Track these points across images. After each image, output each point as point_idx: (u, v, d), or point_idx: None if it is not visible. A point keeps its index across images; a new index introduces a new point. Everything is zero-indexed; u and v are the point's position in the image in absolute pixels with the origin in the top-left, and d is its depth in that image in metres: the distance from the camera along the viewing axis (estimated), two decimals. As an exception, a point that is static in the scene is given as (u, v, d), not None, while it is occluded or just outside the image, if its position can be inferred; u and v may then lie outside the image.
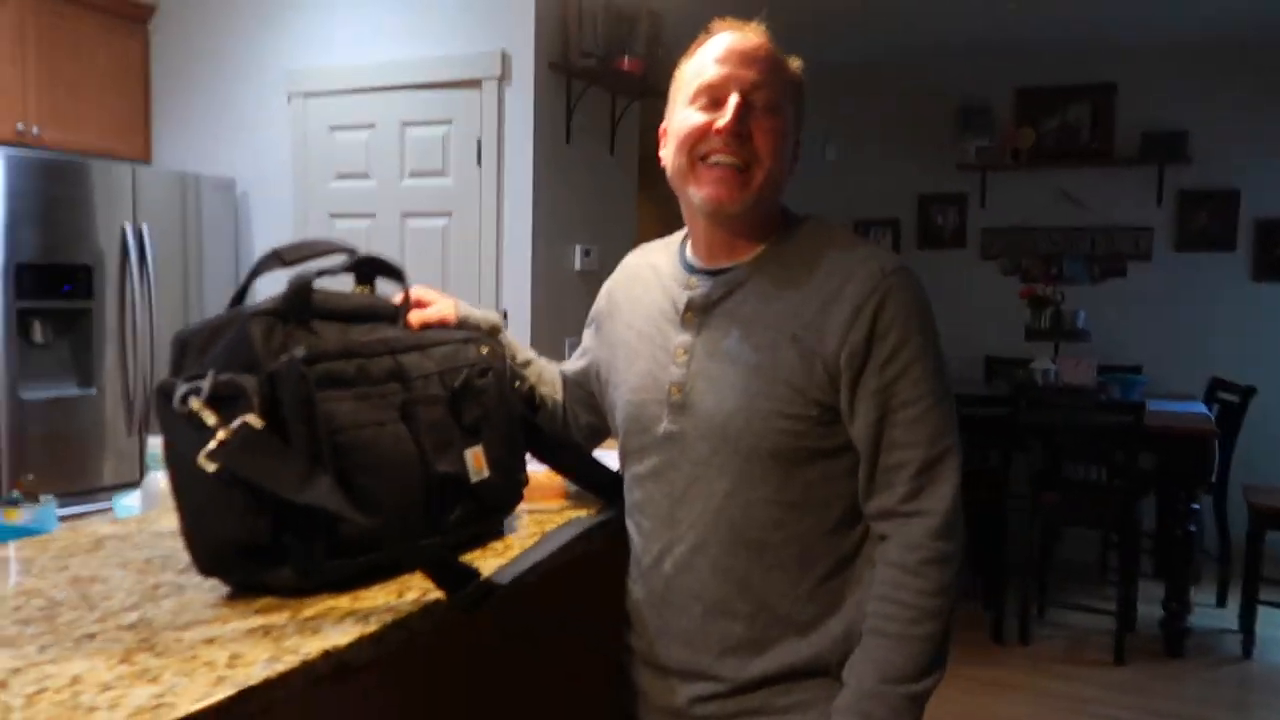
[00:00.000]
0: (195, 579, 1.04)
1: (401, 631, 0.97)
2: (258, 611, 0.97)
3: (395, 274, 1.27)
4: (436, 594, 1.02)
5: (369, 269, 1.27)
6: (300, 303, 1.05)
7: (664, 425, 1.22)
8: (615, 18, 3.56)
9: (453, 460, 1.14)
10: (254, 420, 0.93)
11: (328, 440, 0.99)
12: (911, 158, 6.05)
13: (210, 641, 0.89)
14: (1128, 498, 3.80)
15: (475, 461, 1.17)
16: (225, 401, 0.94)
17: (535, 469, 1.40)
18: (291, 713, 0.86)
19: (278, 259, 1.11)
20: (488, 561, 1.16)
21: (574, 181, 3.48)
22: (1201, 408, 4.43)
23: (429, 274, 3.44)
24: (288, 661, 0.85)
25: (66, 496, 3.12)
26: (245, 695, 0.80)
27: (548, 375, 1.51)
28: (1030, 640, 3.88)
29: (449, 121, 3.39)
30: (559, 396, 1.50)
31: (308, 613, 0.97)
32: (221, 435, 0.91)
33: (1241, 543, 3.85)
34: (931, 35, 5.27)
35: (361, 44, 3.54)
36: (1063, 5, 4.68)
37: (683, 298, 1.25)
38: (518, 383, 1.43)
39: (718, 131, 1.16)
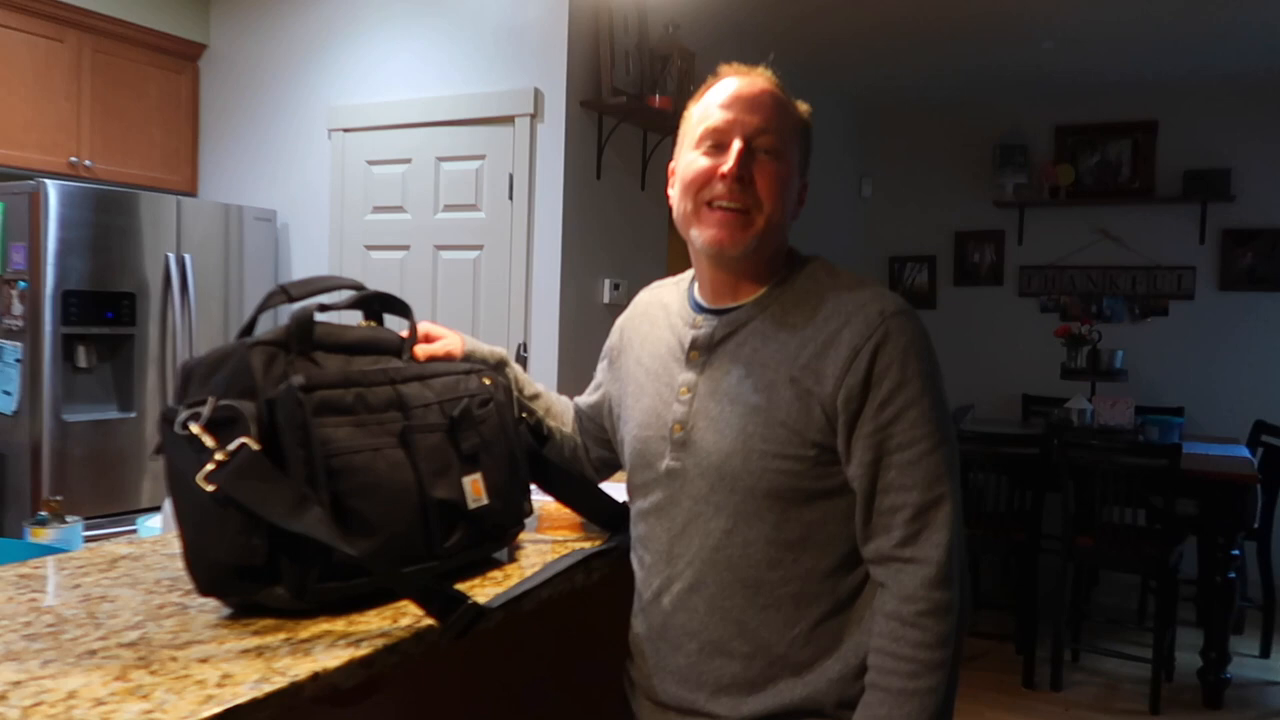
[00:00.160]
0: (199, 600, 1.07)
1: (393, 656, 0.99)
2: (254, 633, 1.00)
3: (402, 310, 1.31)
4: (430, 620, 1.04)
5: (376, 305, 1.31)
6: (302, 334, 1.09)
7: (666, 461, 1.23)
8: (648, 56, 3.62)
9: (450, 487, 1.17)
10: (251, 443, 0.96)
11: (323, 464, 1.02)
12: (948, 194, 6.04)
13: (205, 661, 0.92)
14: (1165, 542, 3.71)
15: (474, 489, 1.20)
16: (224, 425, 0.97)
17: (550, 500, 1.42)
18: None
19: (284, 294, 1.16)
20: (485, 589, 1.18)
21: (604, 216, 3.53)
22: (1244, 451, 4.33)
23: (460, 305, 3.50)
24: (276, 682, 0.87)
25: (106, 517, 3.22)
26: (231, 714, 0.82)
27: (556, 409, 1.54)
28: (1062, 686, 3.79)
29: (482, 157, 3.47)
30: (568, 429, 1.52)
31: (303, 635, 1.00)
32: (219, 457, 0.95)
33: (1285, 591, 3.74)
34: (969, 73, 5.28)
35: (399, 82, 3.64)
36: (1102, 43, 4.66)
37: (688, 336, 1.26)
38: (525, 415, 1.46)
39: (721, 177, 1.18)
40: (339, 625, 1.02)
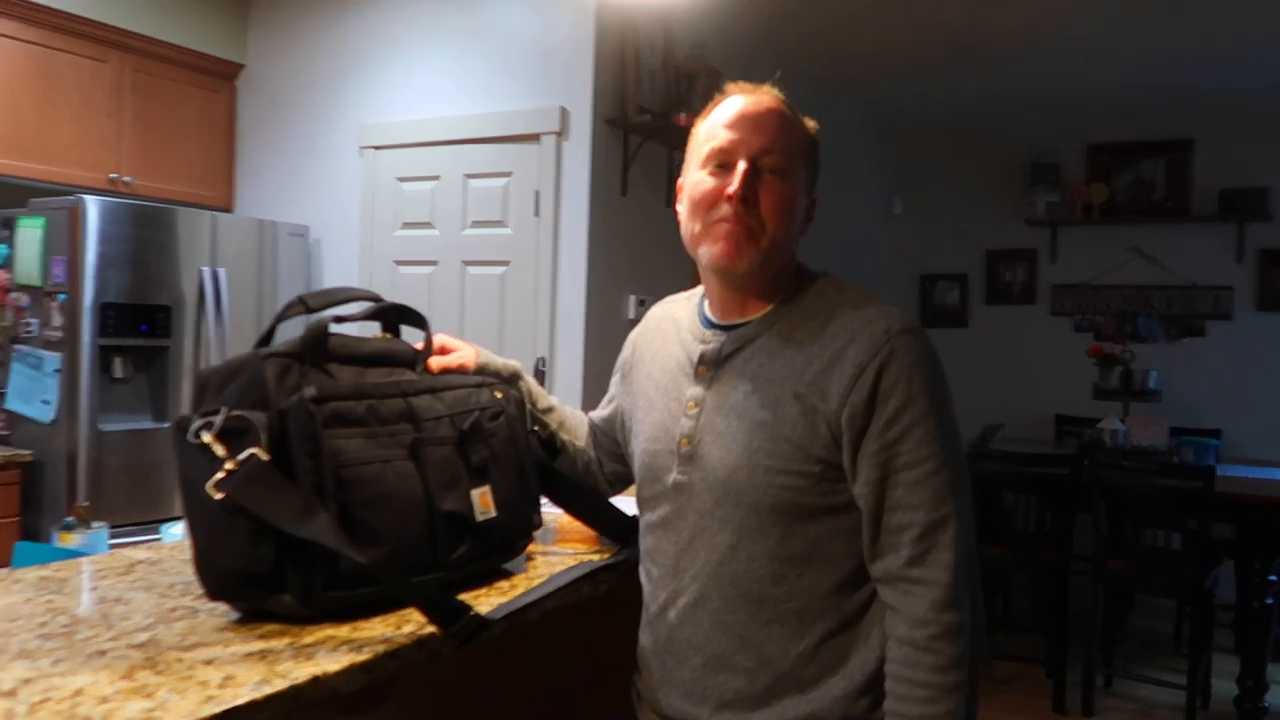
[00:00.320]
0: (210, 604, 1.10)
1: (394, 661, 1.01)
2: (260, 637, 1.02)
3: (418, 322, 1.33)
4: (433, 628, 1.06)
5: (393, 317, 1.33)
6: (316, 346, 1.12)
7: (673, 475, 1.24)
8: (674, 75, 3.65)
9: (458, 499, 1.18)
10: (260, 453, 0.99)
11: (333, 474, 1.04)
12: (979, 213, 6.00)
13: (209, 663, 0.94)
14: (1199, 566, 3.64)
15: (482, 501, 1.22)
16: (235, 435, 1.00)
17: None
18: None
19: (302, 305, 1.19)
20: (490, 599, 1.20)
21: (629, 233, 3.55)
22: (1283, 474, 4.23)
23: (486, 320, 3.54)
24: (276, 685, 0.89)
25: (139, 525, 3.28)
26: (229, 714, 0.84)
27: (570, 422, 1.55)
28: (1094, 711, 3.72)
29: (509, 174, 3.51)
30: (581, 442, 1.54)
31: (307, 640, 1.02)
32: (229, 466, 0.97)
33: (1324, 618, 3.65)
34: (1000, 91, 5.26)
35: (429, 100, 3.70)
36: (1135, 60, 4.62)
37: (697, 351, 1.27)
38: (537, 428, 1.47)
39: (727, 198, 1.19)
40: (343, 631, 1.04)
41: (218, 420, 1.00)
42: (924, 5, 3.97)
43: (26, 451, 3.28)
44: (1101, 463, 3.81)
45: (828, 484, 1.15)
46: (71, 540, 1.68)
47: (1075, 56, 4.57)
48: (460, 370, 1.35)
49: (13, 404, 3.35)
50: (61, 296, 3.24)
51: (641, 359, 1.40)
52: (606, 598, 1.38)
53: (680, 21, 3.67)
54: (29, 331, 3.33)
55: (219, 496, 0.97)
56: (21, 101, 3.46)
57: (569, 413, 1.57)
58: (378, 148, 3.80)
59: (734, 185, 1.18)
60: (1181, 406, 5.15)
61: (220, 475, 0.98)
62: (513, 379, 1.45)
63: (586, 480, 1.52)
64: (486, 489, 1.23)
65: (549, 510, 1.46)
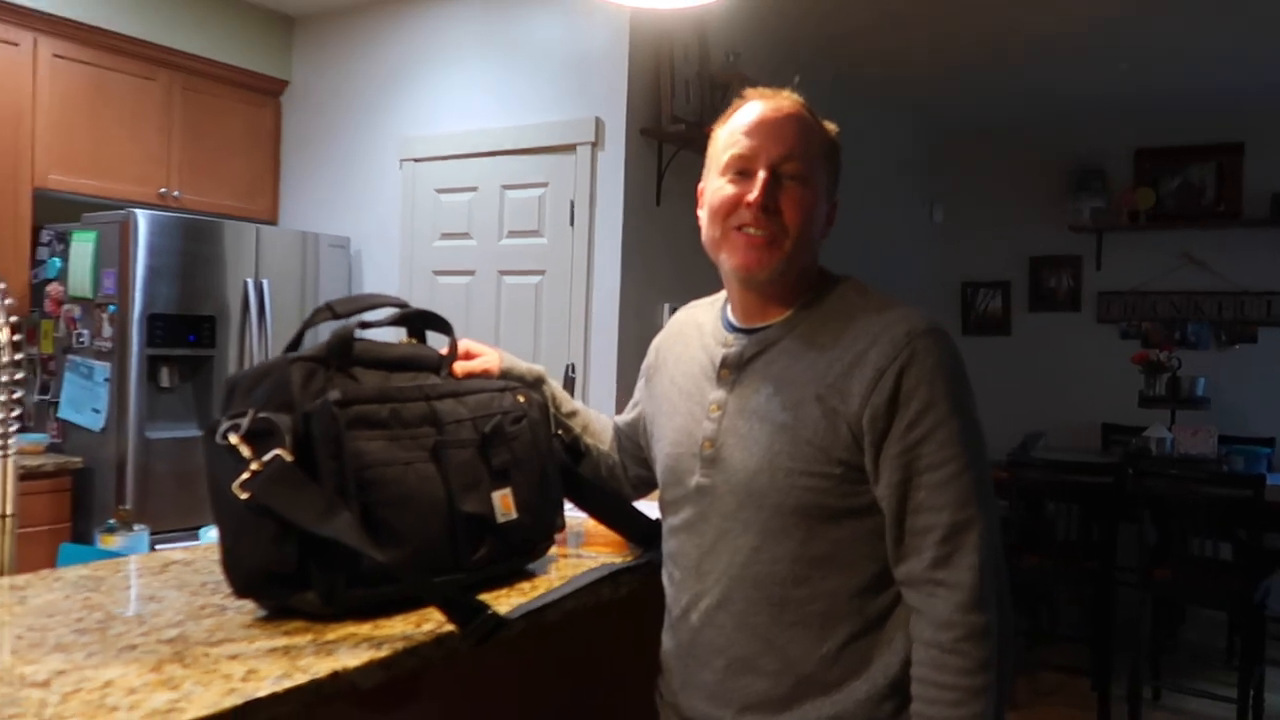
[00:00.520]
0: (238, 602, 1.13)
1: (412, 658, 1.03)
2: (284, 633, 1.05)
3: (443, 327, 1.36)
4: (452, 626, 1.08)
5: (418, 322, 1.36)
6: (342, 350, 1.15)
7: (696, 479, 1.25)
8: (709, 84, 3.67)
9: (479, 501, 1.21)
10: (285, 455, 1.02)
11: (355, 475, 1.07)
12: (1022, 219, 5.92)
13: (234, 658, 0.97)
14: (1249, 577, 3.55)
15: (503, 503, 1.24)
16: (261, 437, 1.03)
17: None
18: (296, 727, 0.93)
19: (330, 311, 1.22)
20: (511, 599, 1.22)
21: (664, 241, 3.57)
22: (1338, 484, 4.11)
23: (522, 328, 3.58)
24: (297, 679, 0.92)
25: (185, 530, 3.36)
26: (252, 706, 0.87)
27: (594, 426, 1.57)
28: (1141, 726, 3.64)
29: (545, 185, 3.55)
30: (605, 446, 1.55)
31: (330, 636, 1.04)
32: (254, 467, 1.00)
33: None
34: (1041, 95, 5.19)
35: (466, 113, 3.76)
36: (1182, 63, 4.54)
37: (719, 355, 1.28)
38: (561, 431, 1.49)
39: (747, 205, 1.20)
40: (364, 629, 1.07)
41: (244, 422, 1.03)
42: (963, 8, 3.94)
43: (78, 459, 3.38)
44: (1146, 471, 3.73)
45: (849, 486, 1.15)
46: (113, 542, 1.74)
47: (1119, 60, 4.50)
48: (484, 375, 1.37)
49: (65, 412, 3.46)
50: (112, 308, 3.34)
51: (664, 363, 1.41)
52: (629, 600, 1.39)
53: (714, 30, 3.69)
54: (81, 342, 3.44)
55: (244, 496, 1.00)
56: (76, 120, 3.58)
57: (593, 417, 1.58)
58: (417, 160, 3.87)
59: (755, 193, 1.19)
60: (1232, 414, 5.03)
61: (245, 476, 1.01)
62: (537, 383, 1.47)
63: (610, 484, 1.54)
64: (508, 491, 1.25)
65: (576, 514, 1.48)
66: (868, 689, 1.16)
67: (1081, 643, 4.16)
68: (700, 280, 1.38)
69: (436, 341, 1.37)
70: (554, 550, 1.42)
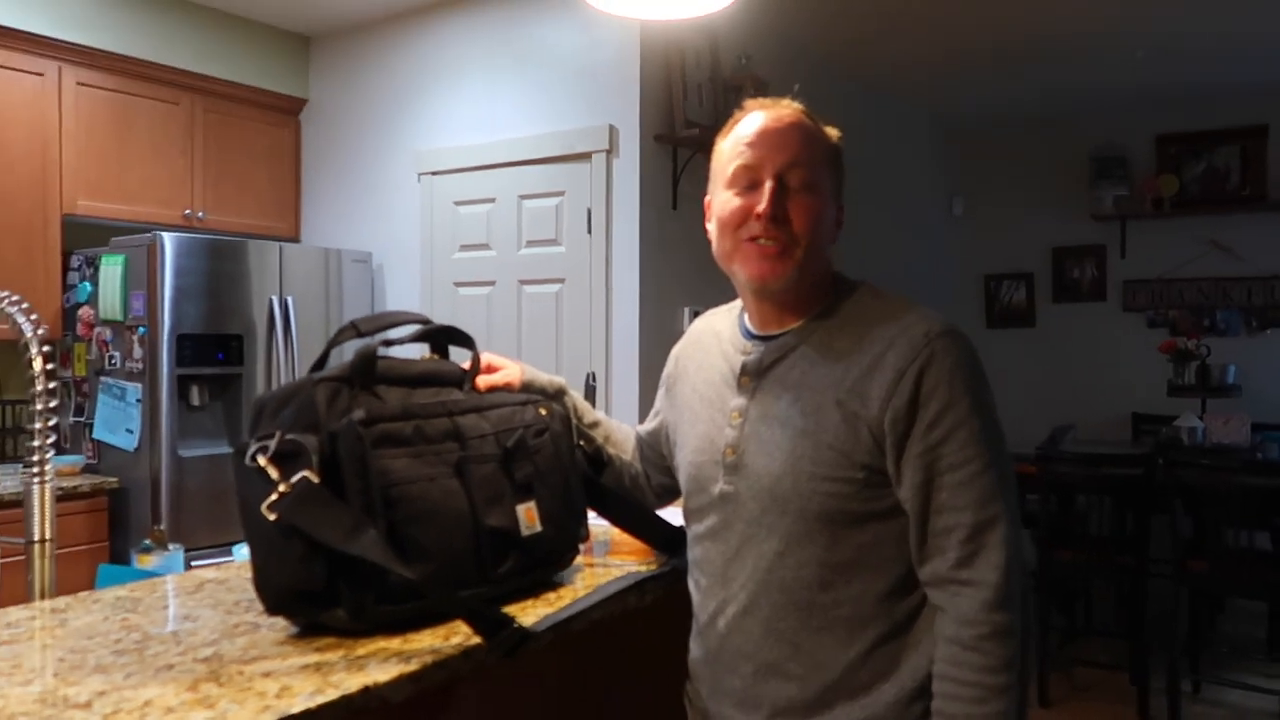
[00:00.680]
0: (270, 619, 1.15)
1: (441, 671, 1.05)
2: (316, 650, 1.07)
3: (465, 342, 1.38)
4: (479, 639, 1.10)
5: (441, 338, 1.38)
6: (365, 369, 1.17)
7: (719, 485, 1.26)
8: (721, 88, 3.67)
9: (503, 515, 1.22)
10: (311, 476, 1.04)
11: (380, 493, 1.09)
12: (1043, 210, 5.88)
13: (268, 675, 0.99)
14: (1286, 566, 3.50)
15: (527, 516, 1.25)
16: (288, 458, 1.05)
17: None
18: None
19: (354, 329, 1.24)
20: (538, 611, 1.23)
21: (681, 246, 3.58)
22: (1376, 469, 4.04)
23: (543, 337, 3.60)
24: (329, 695, 0.94)
25: (218, 547, 3.41)
26: (285, 723, 0.89)
27: (616, 436, 1.58)
28: (1181, 719, 3.60)
29: (561, 193, 3.57)
30: (628, 456, 1.56)
31: (360, 652, 1.06)
32: (282, 488, 1.03)
33: None
34: (1059, 84, 5.15)
35: (482, 126, 3.79)
36: (1201, 49, 4.49)
37: (739, 362, 1.29)
38: (583, 442, 1.51)
39: (757, 217, 1.21)
40: (394, 643, 1.09)
41: (272, 444, 1.06)
42: (977, 1, 3.92)
43: (113, 479, 3.44)
44: (1177, 461, 3.69)
45: (872, 489, 1.16)
46: (149, 562, 1.77)
47: (1137, 47, 4.46)
48: (506, 388, 1.39)
49: (100, 434, 3.52)
50: (141, 329, 3.40)
51: (685, 372, 1.42)
52: (655, 609, 1.40)
53: (725, 34, 3.69)
54: (113, 364, 3.50)
55: (273, 518, 1.03)
56: (103, 146, 3.64)
57: (615, 426, 1.59)
58: (435, 173, 3.91)
59: (763, 204, 1.20)
60: (1264, 401, 4.96)
61: (274, 497, 1.03)
62: (558, 395, 1.49)
63: (633, 494, 1.55)
64: (531, 504, 1.26)
65: (601, 523, 1.49)
66: (896, 691, 1.17)
67: (1118, 637, 4.13)
68: (719, 282, 1.39)
69: (459, 356, 1.39)
70: (580, 559, 1.43)
